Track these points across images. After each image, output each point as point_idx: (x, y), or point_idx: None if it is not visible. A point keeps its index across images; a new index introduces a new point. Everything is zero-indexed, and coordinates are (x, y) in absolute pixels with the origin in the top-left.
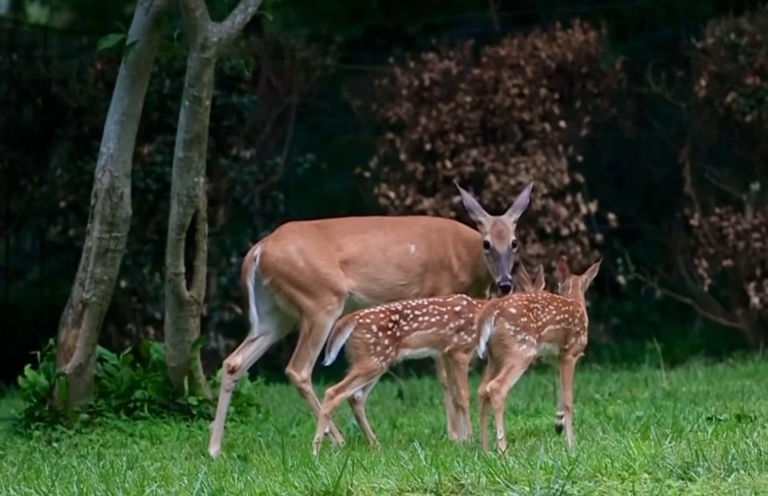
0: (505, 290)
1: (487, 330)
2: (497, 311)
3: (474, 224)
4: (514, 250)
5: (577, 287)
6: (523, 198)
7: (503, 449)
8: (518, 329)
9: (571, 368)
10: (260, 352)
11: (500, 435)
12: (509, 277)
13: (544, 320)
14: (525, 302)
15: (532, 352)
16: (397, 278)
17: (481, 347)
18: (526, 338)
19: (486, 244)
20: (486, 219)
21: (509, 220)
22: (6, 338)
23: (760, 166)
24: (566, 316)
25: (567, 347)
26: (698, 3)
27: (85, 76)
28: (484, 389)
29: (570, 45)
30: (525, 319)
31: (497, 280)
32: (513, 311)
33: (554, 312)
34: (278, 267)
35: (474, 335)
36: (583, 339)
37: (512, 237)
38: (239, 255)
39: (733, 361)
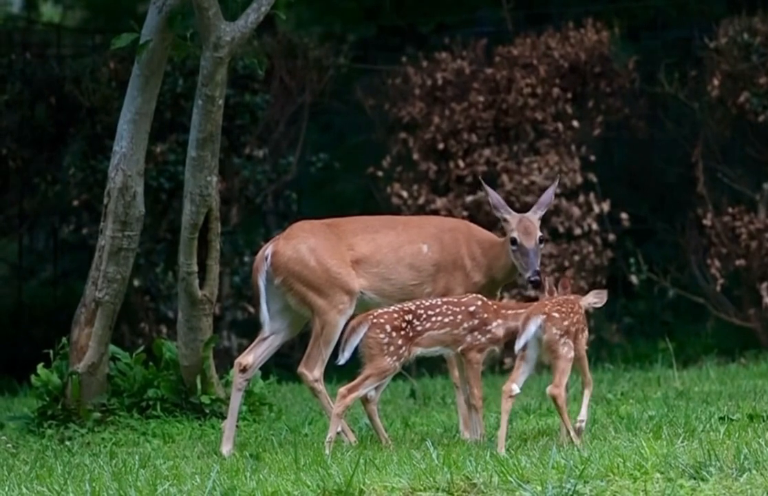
0: (535, 284)
1: (531, 329)
2: (544, 316)
3: (486, 225)
4: (541, 245)
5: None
6: (547, 195)
7: (578, 441)
8: (562, 333)
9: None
10: (272, 351)
11: (582, 419)
12: (539, 271)
13: (569, 321)
14: (561, 306)
15: (572, 354)
16: (408, 277)
17: (520, 343)
18: (568, 341)
19: (513, 241)
20: (512, 216)
21: (534, 216)
22: (19, 337)
23: None
24: (578, 316)
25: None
26: (711, 2)
27: (98, 75)
28: (510, 386)
29: (583, 44)
30: (567, 322)
31: (527, 275)
32: (556, 315)
33: (572, 315)
34: (290, 266)
35: (488, 335)
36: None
37: (539, 233)
38: (252, 254)
39: (746, 360)
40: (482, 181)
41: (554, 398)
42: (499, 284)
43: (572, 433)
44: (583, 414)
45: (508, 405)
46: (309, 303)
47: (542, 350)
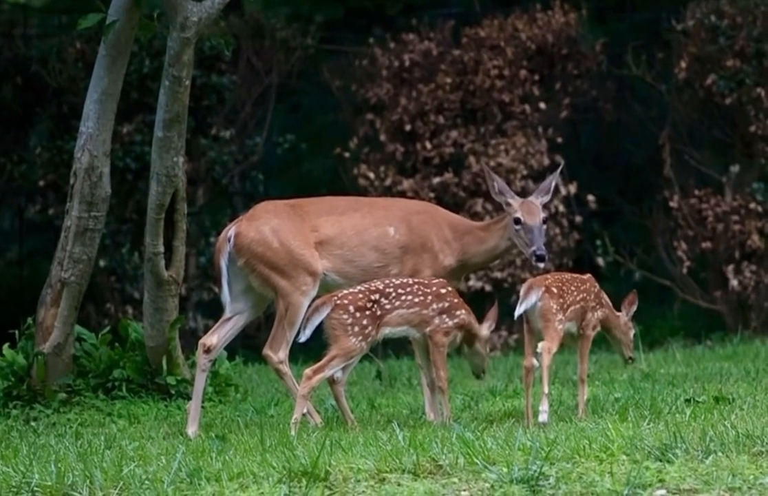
0: (540, 259)
1: (533, 298)
2: (543, 288)
3: (451, 207)
4: (545, 227)
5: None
6: (548, 182)
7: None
8: (558, 307)
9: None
10: (236, 331)
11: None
12: (543, 248)
13: (570, 299)
14: (560, 282)
15: (563, 328)
16: (373, 259)
17: (519, 310)
18: (563, 319)
19: (517, 221)
20: (515, 200)
21: (536, 200)
22: None
23: (739, 149)
24: (584, 294)
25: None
26: None
27: (64, 56)
28: (529, 361)
29: (550, 26)
30: (562, 299)
31: (532, 249)
32: (555, 290)
33: (575, 292)
34: (252, 248)
35: (456, 320)
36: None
37: (542, 214)
38: (218, 235)
39: (712, 343)
40: (486, 168)
41: (542, 356)
42: (471, 269)
43: (544, 393)
44: (581, 411)
45: (529, 379)
46: (272, 284)
47: (536, 316)
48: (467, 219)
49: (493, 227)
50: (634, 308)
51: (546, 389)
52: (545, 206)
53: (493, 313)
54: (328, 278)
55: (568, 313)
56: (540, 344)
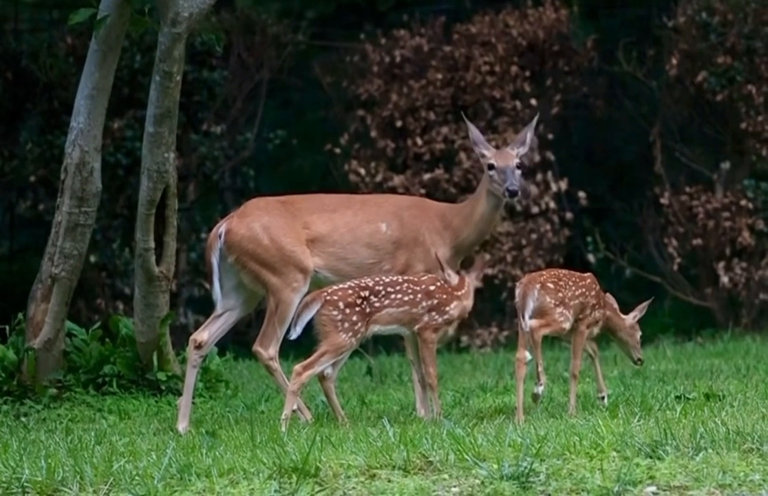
0: (512, 194)
1: (530, 305)
2: (538, 286)
3: (437, 198)
4: (519, 172)
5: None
6: (524, 133)
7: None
8: (556, 302)
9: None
10: (226, 327)
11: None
12: (516, 183)
13: (569, 294)
14: (556, 278)
15: (568, 324)
16: (366, 256)
17: (526, 322)
18: (564, 312)
19: (491, 167)
20: (489, 150)
21: (512, 150)
22: None
23: (730, 146)
24: (583, 290)
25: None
26: None
27: (55, 51)
28: (523, 353)
29: (541, 23)
30: (561, 293)
31: (504, 186)
32: (551, 285)
33: (573, 288)
34: (243, 245)
35: (445, 316)
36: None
37: (516, 160)
38: (209, 231)
39: (702, 340)
40: (464, 116)
41: (532, 331)
42: (468, 249)
43: (540, 378)
44: (572, 407)
45: (522, 372)
46: (263, 281)
47: (536, 315)
48: (454, 204)
49: (474, 198)
50: (644, 312)
51: (540, 367)
52: (529, 177)
53: (479, 263)
54: (320, 276)
55: (569, 306)
56: (530, 321)
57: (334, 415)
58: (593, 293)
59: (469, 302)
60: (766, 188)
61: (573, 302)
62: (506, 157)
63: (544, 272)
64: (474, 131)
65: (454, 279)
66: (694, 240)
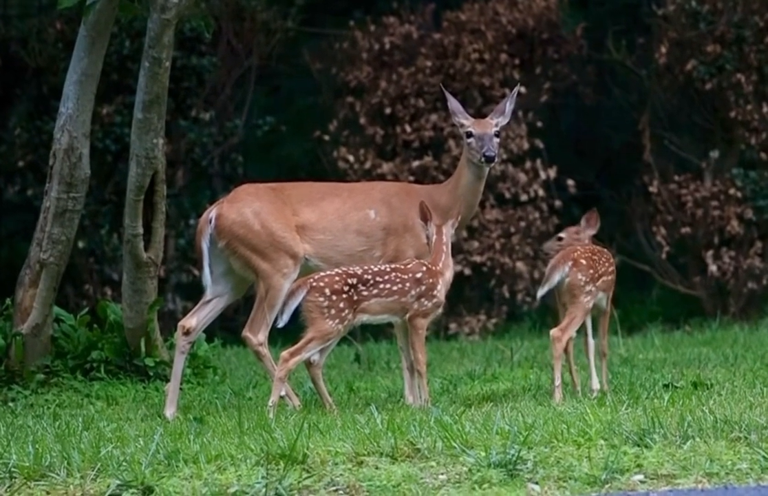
0: (489, 160)
1: (556, 278)
2: (571, 262)
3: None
4: (497, 140)
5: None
6: (503, 104)
7: (558, 399)
8: (587, 279)
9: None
10: (215, 314)
11: (557, 382)
12: (493, 149)
13: (600, 271)
14: (590, 254)
15: (590, 305)
16: (356, 244)
17: (542, 291)
18: (591, 289)
19: (469, 134)
20: (467, 119)
21: (491, 120)
22: None
23: (719, 134)
24: (614, 267)
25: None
26: None
27: (44, 36)
28: (558, 332)
29: (531, 11)
30: (592, 270)
31: (482, 152)
32: (584, 262)
33: (606, 264)
34: (234, 230)
35: (434, 300)
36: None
37: (495, 128)
38: (198, 217)
39: (690, 328)
40: (443, 88)
41: (553, 341)
42: (459, 227)
43: (556, 384)
44: (595, 383)
45: (568, 348)
46: (253, 267)
47: (563, 291)
48: (438, 184)
49: (456, 173)
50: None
51: (557, 382)
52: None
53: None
54: (311, 263)
55: (599, 283)
56: (552, 331)
57: (321, 402)
58: (613, 269)
59: (449, 273)
60: (754, 177)
61: (605, 278)
62: (484, 125)
63: (578, 248)
64: (453, 101)
65: (432, 230)
66: (683, 228)
